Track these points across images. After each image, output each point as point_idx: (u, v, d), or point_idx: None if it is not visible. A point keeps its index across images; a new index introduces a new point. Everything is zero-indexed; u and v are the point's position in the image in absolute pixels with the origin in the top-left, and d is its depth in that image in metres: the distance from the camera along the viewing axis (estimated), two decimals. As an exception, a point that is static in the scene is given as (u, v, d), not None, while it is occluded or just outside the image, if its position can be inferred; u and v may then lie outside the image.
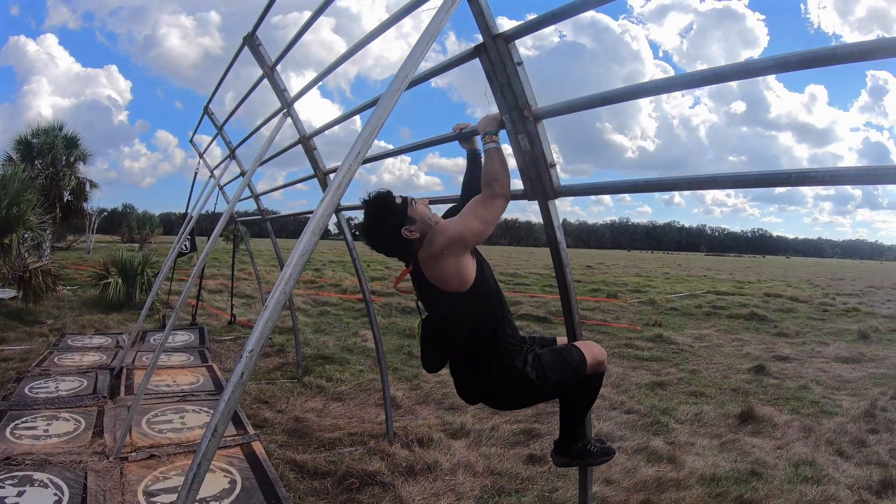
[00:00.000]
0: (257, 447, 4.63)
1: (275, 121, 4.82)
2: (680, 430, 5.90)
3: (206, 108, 7.45)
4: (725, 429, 6.03)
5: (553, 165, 2.42)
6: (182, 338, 9.13)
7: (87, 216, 27.56)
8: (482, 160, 2.85)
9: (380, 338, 5.59)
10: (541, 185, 2.47)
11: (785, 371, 8.73)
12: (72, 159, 19.18)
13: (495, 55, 2.35)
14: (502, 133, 2.47)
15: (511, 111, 2.40)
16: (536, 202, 2.61)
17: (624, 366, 8.62)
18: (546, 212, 2.51)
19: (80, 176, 19.55)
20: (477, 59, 2.48)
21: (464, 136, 2.92)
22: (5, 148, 19.18)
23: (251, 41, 4.57)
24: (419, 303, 2.77)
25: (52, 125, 19.06)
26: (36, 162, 18.44)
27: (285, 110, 4.60)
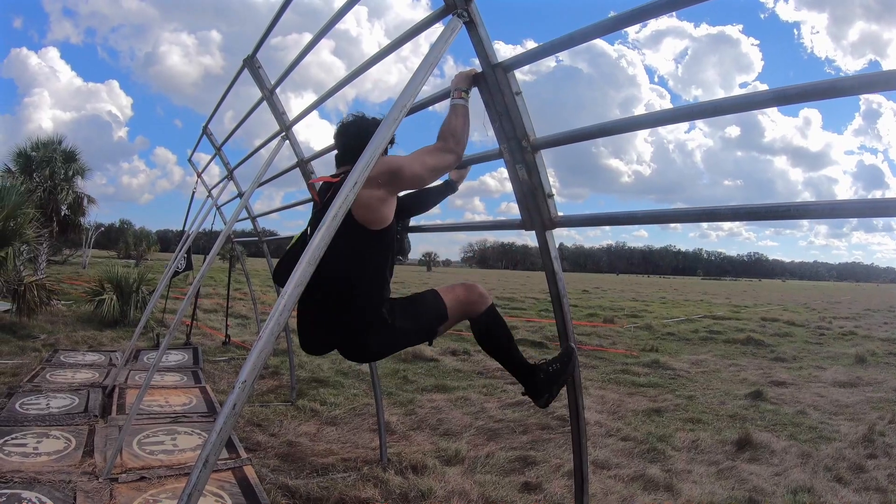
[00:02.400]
0: (249, 472, 4.57)
1: (273, 143, 4.81)
2: (677, 458, 5.84)
3: (205, 128, 7.45)
4: (723, 456, 5.98)
5: (551, 196, 2.41)
6: (176, 357, 9.06)
7: (84, 231, 27.52)
8: (447, 194, 3.03)
9: (374, 363, 5.52)
10: (539, 216, 2.45)
11: (782, 396, 8.69)
12: (70, 173, 19.20)
13: (494, 84, 2.34)
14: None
15: (509, 141, 2.39)
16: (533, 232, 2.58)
17: (620, 392, 8.56)
18: (544, 242, 2.49)
19: (78, 190, 19.56)
20: (475, 88, 2.47)
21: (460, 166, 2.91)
22: (4, 160, 19.25)
23: (251, 64, 4.57)
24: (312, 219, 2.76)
25: (52, 139, 19.12)
26: (34, 175, 18.45)
27: (284, 133, 4.59)
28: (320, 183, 2.81)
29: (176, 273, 9.07)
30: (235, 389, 1.64)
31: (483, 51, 2.32)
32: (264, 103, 4.75)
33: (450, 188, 3.07)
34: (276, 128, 4.74)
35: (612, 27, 2.02)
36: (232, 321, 12.62)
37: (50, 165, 18.59)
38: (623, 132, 2.15)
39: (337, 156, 2.83)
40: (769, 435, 6.59)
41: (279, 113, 4.59)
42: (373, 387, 5.54)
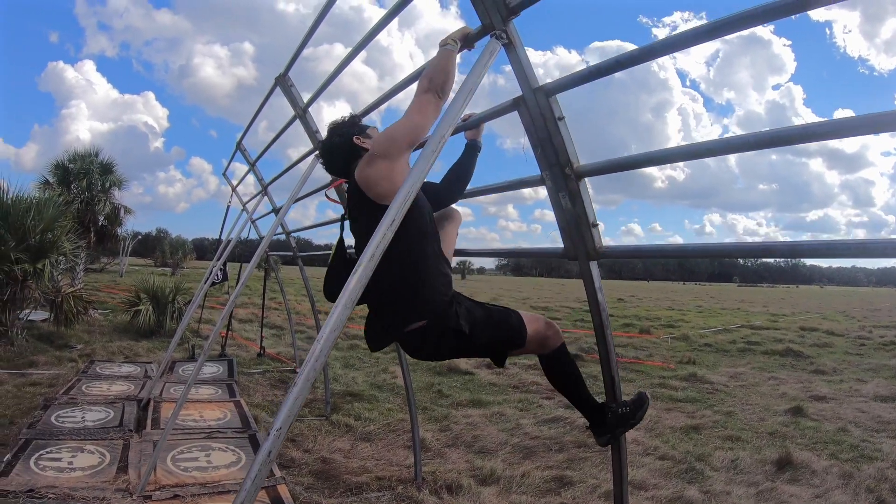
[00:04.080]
0: (283, 491, 4.51)
1: (307, 161, 4.79)
2: (715, 478, 5.69)
3: (239, 143, 7.53)
4: (762, 476, 5.81)
5: (596, 225, 2.32)
6: (210, 369, 9.06)
7: (121, 240, 27.96)
8: (476, 155, 2.98)
9: (409, 377, 5.46)
10: (582, 246, 2.36)
11: (822, 412, 8.45)
12: (107, 185, 19.49)
13: (535, 109, 2.26)
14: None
15: (552, 168, 2.31)
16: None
17: (658, 407, 8.38)
18: (588, 273, 2.39)
19: (114, 201, 19.87)
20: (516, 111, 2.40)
21: (468, 126, 2.89)
22: (43, 172, 19.66)
23: (283, 82, 4.56)
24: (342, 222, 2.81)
25: (89, 151, 19.44)
26: (72, 186, 18.76)
27: (317, 152, 4.56)
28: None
29: (212, 284, 9.10)
30: (270, 437, 1.59)
31: (523, 73, 2.25)
32: (297, 120, 4.74)
33: (474, 149, 2.99)
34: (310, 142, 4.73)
35: (660, 51, 1.94)
36: (266, 332, 12.64)
37: (87, 177, 18.89)
38: (673, 161, 2.06)
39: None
40: (810, 454, 6.40)
41: (312, 132, 4.58)
42: (408, 403, 5.48)
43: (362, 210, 2.53)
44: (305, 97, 4.60)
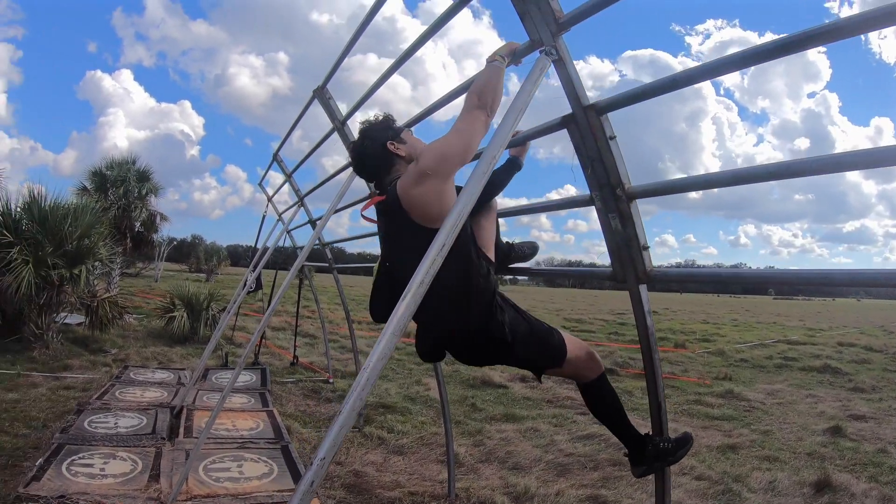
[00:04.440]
0: (316, 505, 4.49)
1: (345, 174, 4.77)
2: (753, 501, 5.54)
3: (276, 155, 7.59)
4: (801, 499, 5.65)
5: (647, 248, 2.24)
6: (244, 378, 9.06)
7: (157, 246, 28.39)
8: (514, 172, 2.90)
9: (445, 390, 5.38)
10: (632, 269, 2.29)
11: (862, 432, 8.19)
12: (144, 192, 19.82)
13: (585, 128, 2.19)
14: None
15: (602, 188, 2.24)
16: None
17: (694, 425, 8.21)
18: (637, 297, 2.32)
19: (151, 208, 20.20)
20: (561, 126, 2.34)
21: (514, 144, 2.83)
22: (81, 178, 20.04)
23: (321, 95, 4.56)
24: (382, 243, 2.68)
25: (126, 159, 19.79)
26: (109, 193, 19.09)
27: (355, 163, 4.55)
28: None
29: (248, 292, 9.16)
30: (314, 466, 1.55)
31: (573, 91, 2.19)
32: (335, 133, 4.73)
33: (514, 165, 2.90)
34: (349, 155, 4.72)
35: (716, 69, 1.86)
36: (300, 341, 12.59)
37: (124, 184, 19.24)
38: (725, 185, 1.98)
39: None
40: (849, 476, 6.20)
41: (351, 145, 4.57)
42: (443, 418, 5.40)
43: (402, 228, 2.41)
44: (342, 108, 4.59)
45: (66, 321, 11.82)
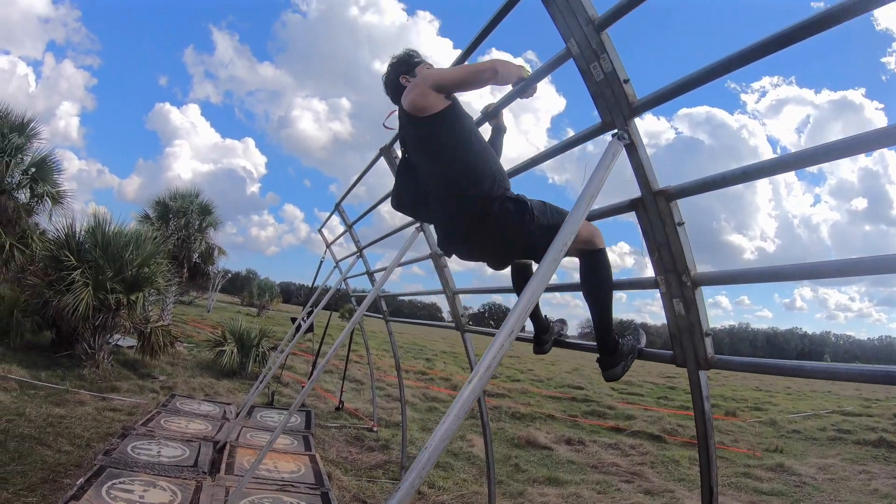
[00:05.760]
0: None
1: (407, 232, 4.83)
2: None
3: (338, 206, 7.76)
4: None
5: (709, 334, 2.22)
6: (284, 416, 9.01)
7: (212, 277, 28.96)
8: (502, 136, 3.33)
9: (492, 450, 5.22)
10: (693, 354, 2.26)
11: (916, 514, 7.81)
12: (204, 225, 20.27)
13: (654, 213, 2.20)
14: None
15: (667, 273, 2.23)
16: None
17: (741, 500, 7.92)
18: (696, 382, 2.28)
19: (209, 241, 20.60)
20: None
21: (490, 115, 3.24)
22: (143, 204, 20.66)
23: (388, 153, 4.65)
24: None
25: (190, 191, 20.26)
26: (170, 223, 19.58)
27: (418, 225, 4.61)
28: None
29: (301, 331, 9.25)
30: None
31: (644, 175, 2.20)
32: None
33: (501, 131, 3.33)
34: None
35: (786, 164, 1.84)
36: (346, 385, 12.55)
37: (186, 216, 19.72)
38: (793, 279, 1.95)
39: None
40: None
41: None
42: (487, 480, 5.33)
43: (406, 123, 2.88)
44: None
45: (118, 343, 12.10)
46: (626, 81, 2.17)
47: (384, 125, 3.44)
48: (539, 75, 2.70)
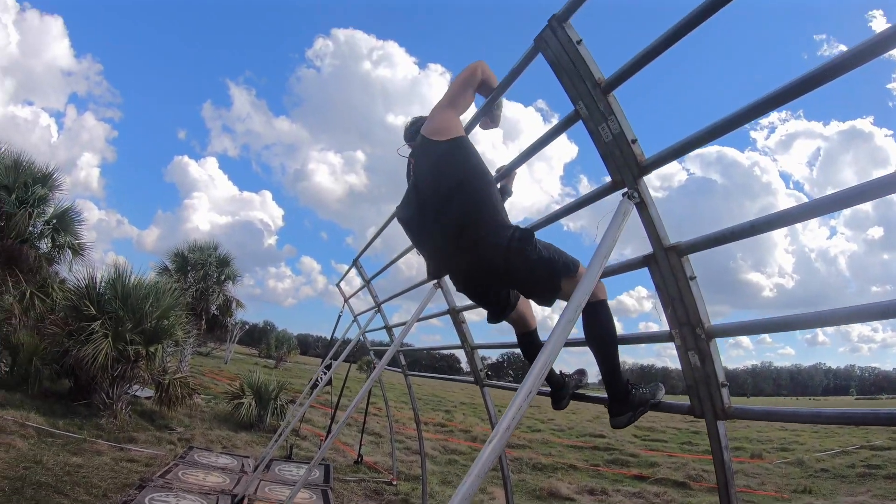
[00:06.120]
0: None
1: (426, 287, 4.89)
2: None
3: (356, 261, 7.88)
4: None
5: (725, 385, 2.25)
6: (304, 471, 8.92)
7: (230, 329, 29.17)
8: (507, 196, 3.48)
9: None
10: (710, 405, 2.28)
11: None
12: (223, 277, 20.49)
13: (666, 268, 2.26)
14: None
15: (682, 326, 2.28)
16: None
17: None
18: (714, 432, 2.30)
19: (228, 294, 20.79)
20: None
21: (502, 175, 3.38)
22: (162, 254, 21.04)
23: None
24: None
25: (208, 244, 20.58)
26: (189, 275, 19.82)
27: (436, 282, 4.67)
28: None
29: (320, 385, 9.27)
30: None
31: (655, 232, 2.27)
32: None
33: (505, 193, 3.46)
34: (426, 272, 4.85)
35: (794, 216, 1.90)
36: (365, 438, 12.50)
37: (204, 268, 19.97)
38: (805, 328, 1.99)
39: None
40: None
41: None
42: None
43: (427, 153, 2.92)
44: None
45: (136, 393, 12.15)
46: (634, 141, 2.24)
47: (398, 153, 3.51)
48: (551, 136, 2.79)
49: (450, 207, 2.72)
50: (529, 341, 3.21)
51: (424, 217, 2.91)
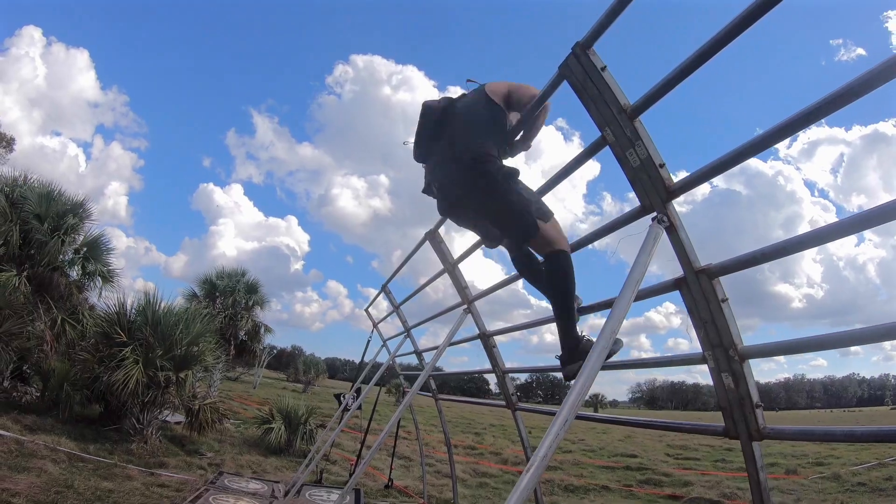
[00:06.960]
0: None
1: (456, 313, 4.92)
2: None
3: (385, 287, 7.96)
4: None
5: (760, 406, 2.25)
6: (336, 497, 8.89)
7: (258, 354, 29.37)
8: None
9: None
10: (745, 426, 2.29)
11: None
12: (251, 303, 20.69)
13: (697, 291, 2.28)
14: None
15: (714, 349, 2.29)
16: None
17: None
18: (750, 454, 2.31)
19: (256, 319, 20.98)
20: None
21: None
22: (189, 280, 21.35)
23: (433, 238, 4.79)
24: None
25: (236, 270, 20.83)
26: (217, 301, 20.03)
27: (466, 307, 4.70)
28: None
29: (346, 409, 9.29)
30: None
31: (685, 255, 2.29)
32: (445, 273, 4.93)
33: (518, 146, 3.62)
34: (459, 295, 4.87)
35: (820, 237, 1.92)
36: (395, 462, 12.37)
37: (233, 294, 20.18)
38: (839, 347, 1.98)
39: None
40: None
41: (461, 287, 4.74)
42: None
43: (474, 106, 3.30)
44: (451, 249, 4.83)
45: (167, 419, 12.23)
46: (662, 166, 2.28)
47: (404, 143, 3.69)
48: (578, 162, 2.84)
49: (465, 134, 3.11)
50: (528, 264, 3.37)
51: (441, 138, 3.26)
